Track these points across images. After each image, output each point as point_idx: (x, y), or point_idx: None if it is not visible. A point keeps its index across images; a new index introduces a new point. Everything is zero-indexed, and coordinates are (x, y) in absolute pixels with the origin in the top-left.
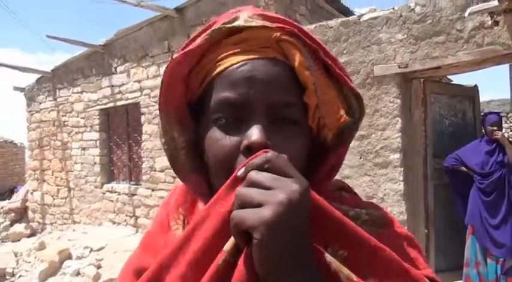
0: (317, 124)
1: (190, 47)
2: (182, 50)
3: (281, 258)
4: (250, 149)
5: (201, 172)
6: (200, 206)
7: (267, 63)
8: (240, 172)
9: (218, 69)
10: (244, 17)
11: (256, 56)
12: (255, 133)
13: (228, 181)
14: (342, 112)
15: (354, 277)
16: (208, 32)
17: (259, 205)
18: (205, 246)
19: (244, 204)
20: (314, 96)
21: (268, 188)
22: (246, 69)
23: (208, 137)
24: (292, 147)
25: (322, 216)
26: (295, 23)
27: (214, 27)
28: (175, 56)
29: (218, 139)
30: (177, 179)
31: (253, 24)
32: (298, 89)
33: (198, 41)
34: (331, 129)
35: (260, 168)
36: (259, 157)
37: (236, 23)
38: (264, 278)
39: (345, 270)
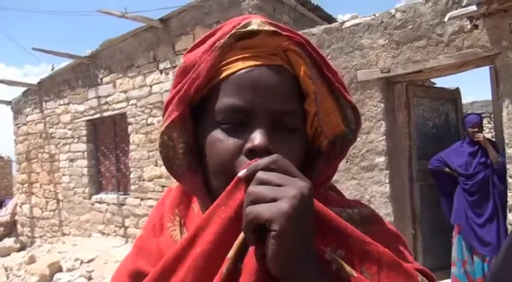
0: (314, 132)
1: (209, 57)
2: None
3: (296, 250)
4: (253, 152)
5: (197, 171)
6: (194, 207)
7: (273, 71)
8: (241, 173)
9: (225, 73)
10: (257, 22)
11: (264, 63)
12: (258, 137)
13: (230, 185)
14: (339, 121)
15: (355, 273)
16: (222, 41)
17: (273, 200)
18: (208, 251)
19: (257, 200)
20: (314, 104)
21: (278, 186)
22: (254, 76)
23: (211, 137)
24: (290, 153)
25: (319, 217)
26: (301, 34)
27: (228, 33)
28: (200, 66)
29: (221, 140)
30: (166, 188)
31: (266, 28)
32: (299, 97)
33: (216, 52)
34: (327, 137)
35: (267, 168)
36: (266, 158)
37: (250, 28)
38: (276, 272)
39: (347, 268)
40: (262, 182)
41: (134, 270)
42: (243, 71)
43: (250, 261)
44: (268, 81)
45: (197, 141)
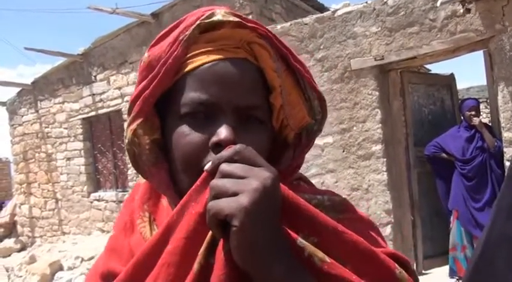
0: (280, 124)
1: (176, 53)
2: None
3: (259, 244)
4: (219, 146)
5: (163, 166)
6: (164, 202)
7: (238, 64)
8: (207, 166)
9: (190, 67)
10: (221, 13)
11: (228, 56)
12: (223, 131)
13: (198, 180)
14: (305, 113)
15: (328, 259)
16: (188, 33)
17: (234, 194)
18: (181, 247)
19: (220, 194)
20: (280, 97)
21: (241, 178)
22: (218, 70)
23: (176, 132)
24: (256, 145)
25: (290, 205)
26: (265, 26)
27: (192, 27)
28: (167, 63)
29: (186, 135)
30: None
31: (231, 19)
32: (265, 90)
33: (181, 47)
34: (293, 129)
35: (230, 160)
36: (229, 150)
37: (214, 18)
38: (243, 266)
39: (319, 253)
40: (226, 175)
41: (106, 271)
42: (207, 65)
43: (219, 255)
44: (233, 75)
45: (163, 135)
